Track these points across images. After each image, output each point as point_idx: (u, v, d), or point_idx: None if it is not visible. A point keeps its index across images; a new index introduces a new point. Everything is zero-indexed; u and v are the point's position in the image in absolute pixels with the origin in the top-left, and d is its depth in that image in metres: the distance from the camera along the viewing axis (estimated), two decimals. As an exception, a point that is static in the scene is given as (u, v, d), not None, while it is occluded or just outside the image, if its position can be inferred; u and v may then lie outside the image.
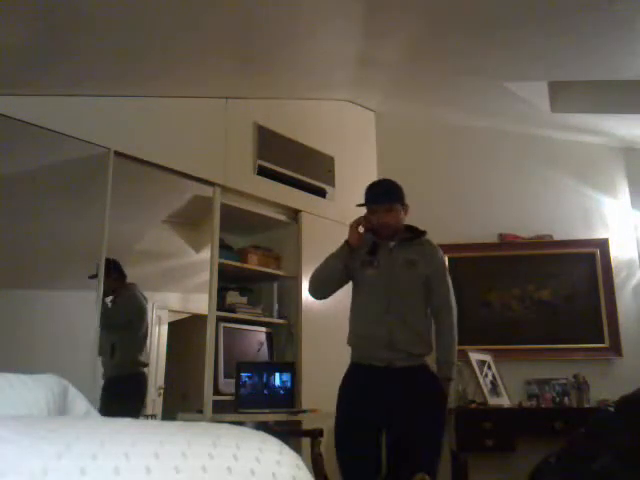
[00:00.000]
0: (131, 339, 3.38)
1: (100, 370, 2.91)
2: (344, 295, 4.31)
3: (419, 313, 2.68)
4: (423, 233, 2.83)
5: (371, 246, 2.72)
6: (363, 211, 2.77)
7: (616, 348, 4.10)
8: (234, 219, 3.69)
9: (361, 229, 2.73)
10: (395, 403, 2.53)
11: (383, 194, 2.72)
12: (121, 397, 3.12)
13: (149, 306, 3.55)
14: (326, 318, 3.91)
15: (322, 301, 4.03)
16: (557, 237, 4.37)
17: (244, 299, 3.81)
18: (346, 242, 2.72)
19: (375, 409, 2.54)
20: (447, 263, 4.36)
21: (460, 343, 4.47)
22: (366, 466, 2.55)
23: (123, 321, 3.33)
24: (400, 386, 2.55)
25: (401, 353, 2.58)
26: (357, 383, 2.64)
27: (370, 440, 2.55)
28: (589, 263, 4.30)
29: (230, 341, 3.61)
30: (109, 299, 3.13)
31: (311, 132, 4.11)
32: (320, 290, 2.82)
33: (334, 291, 2.81)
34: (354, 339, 2.72)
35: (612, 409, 2.11)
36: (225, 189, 3.52)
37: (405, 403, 2.53)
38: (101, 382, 2.93)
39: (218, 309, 3.41)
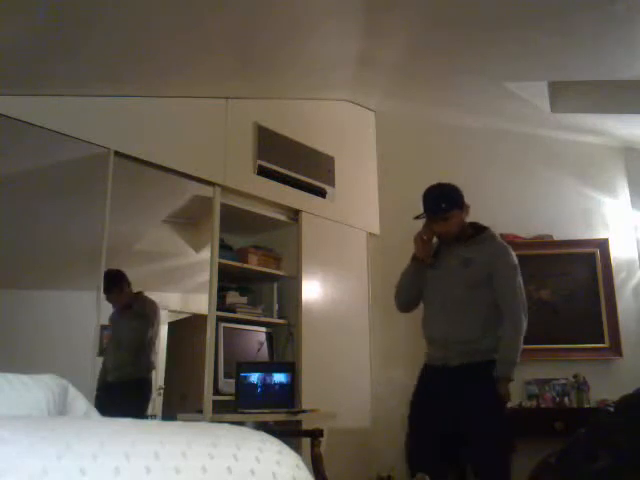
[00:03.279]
0: (148, 343, 3.41)
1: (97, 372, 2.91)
2: (344, 295, 4.29)
3: (475, 312, 2.65)
4: (484, 230, 2.81)
5: (435, 249, 2.79)
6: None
7: (616, 348, 4.10)
8: (234, 219, 3.68)
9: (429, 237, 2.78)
10: (452, 403, 2.57)
11: (438, 204, 2.71)
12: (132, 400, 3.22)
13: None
14: (326, 318, 3.91)
15: (322, 301, 4.06)
16: (557, 237, 4.36)
17: (244, 299, 3.81)
18: (413, 256, 2.78)
19: (439, 410, 2.60)
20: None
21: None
22: None
23: (149, 328, 3.38)
24: (455, 384, 2.59)
25: (454, 351, 2.63)
26: (422, 382, 2.74)
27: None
28: (589, 263, 4.30)
29: (230, 341, 3.61)
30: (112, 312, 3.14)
31: (311, 132, 4.11)
32: (399, 304, 2.90)
33: (413, 302, 2.87)
34: (425, 340, 2.82)
35: (612, 409, 2.11)
36: (225, 189, 3.52)
37: (458, 403, 2.56)
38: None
39: (218, 309, 3.41)
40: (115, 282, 3.15)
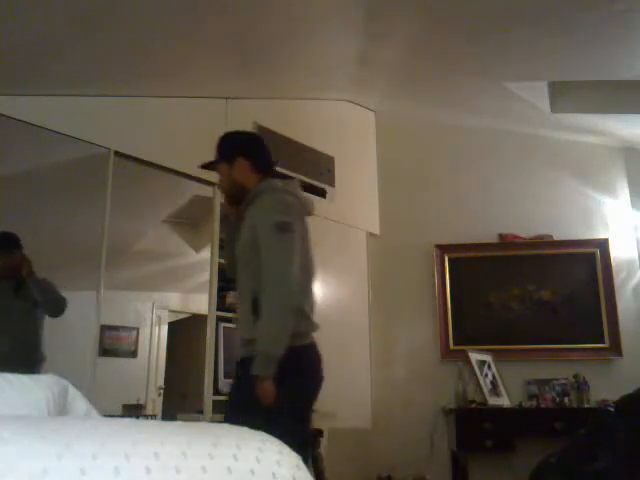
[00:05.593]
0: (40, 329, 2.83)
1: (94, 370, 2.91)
2: (344, 295, 4.29)
3: (246, 291, 2.06)
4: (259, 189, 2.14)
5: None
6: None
7: (616, 348, 4.10)
8: (234, 219, 3.68)
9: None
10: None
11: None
12: None
13: (149, 305, 3.55)
14: (326, 318, 3.90)
15: (322, 301, 4.05)
16: (557, 237, 4.36)
17: (244, 299, 3.80)
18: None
19: None
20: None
21: (460, 343, 4.45)
22: None
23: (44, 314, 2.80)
24: (234, 386, 2.15)
25: (240, 342, 2.09)
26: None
27: None
28: (589, 263, 4.29)
29: (230, 341, 3.60)
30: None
31: (311, 132, 4.11)
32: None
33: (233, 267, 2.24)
34: None
35: (612, 409, 2.11)
36: (225, 189, 3.52)
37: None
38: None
39: (218, 309, 3.41)
40: (4, 245, 2.62)
